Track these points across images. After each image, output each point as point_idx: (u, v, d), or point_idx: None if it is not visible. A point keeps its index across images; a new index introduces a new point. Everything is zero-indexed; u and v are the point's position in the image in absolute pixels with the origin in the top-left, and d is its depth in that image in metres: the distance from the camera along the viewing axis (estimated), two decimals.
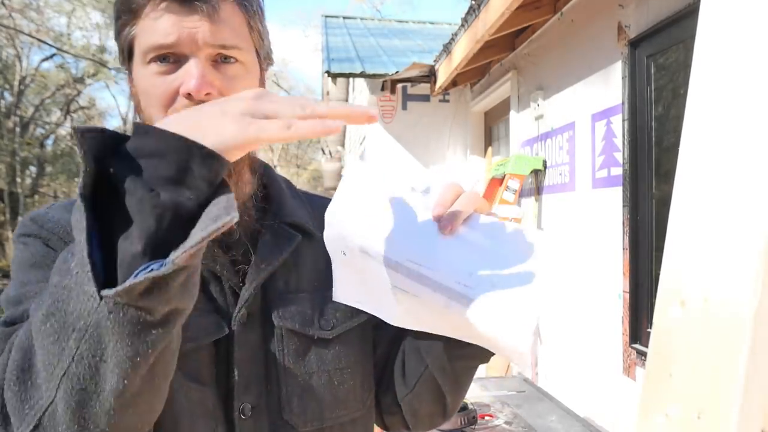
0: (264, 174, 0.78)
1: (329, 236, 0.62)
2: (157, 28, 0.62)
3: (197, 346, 0.63)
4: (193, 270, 0.44)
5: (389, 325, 0.69)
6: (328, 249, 0.65)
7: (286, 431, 0.67)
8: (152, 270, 0.40)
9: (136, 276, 0.40)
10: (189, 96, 0.62)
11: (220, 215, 0.41)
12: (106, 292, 0.40)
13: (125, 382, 0.43)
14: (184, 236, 0.42)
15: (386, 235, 0.58)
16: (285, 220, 0.74)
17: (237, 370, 0.65)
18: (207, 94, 0.62)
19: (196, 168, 0.43)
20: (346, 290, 0.67)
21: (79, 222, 0.42)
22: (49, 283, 0.45)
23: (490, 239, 0.58)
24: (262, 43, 0.70)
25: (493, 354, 0.68)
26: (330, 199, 0.84)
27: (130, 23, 0.64)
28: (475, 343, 0.63)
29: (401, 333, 0.75)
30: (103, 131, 0.44)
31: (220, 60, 0.65)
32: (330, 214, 0.61)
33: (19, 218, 15.74)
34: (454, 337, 0.65)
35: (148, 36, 0.62)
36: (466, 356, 0.69)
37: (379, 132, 0.58)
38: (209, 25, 0.62)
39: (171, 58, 0.63)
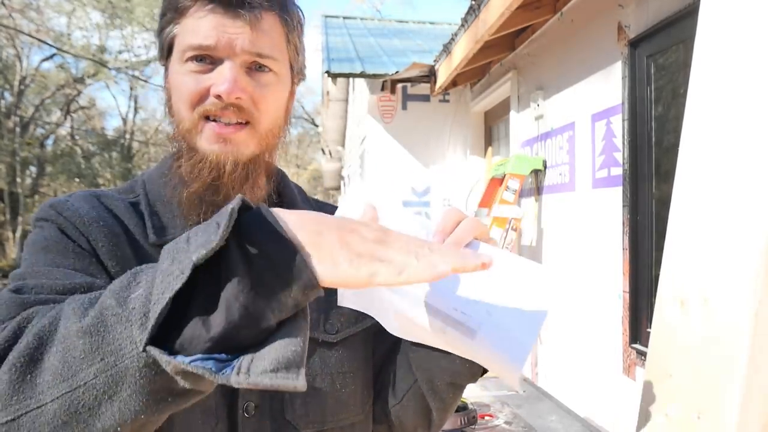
0: (280, 181, 0.79)
1: None
2: (199, 28, 0.64)
3: None
4: None
5: (387, 335, 0.70)
6: None
7: (288, 431, 0.68)
8: (210, 368, 0.39)
9: (192, 362, 0.39)
10: (219, 97, 0.64)
11: (291, 365, 0.40)
12: (155, 352, 0.40)
13: (118, 428, 0.43)
14: (249, 342, 0.41)
15: None
16: None
17: None
18: (237, 98, 0.64)
19: (295, 290, 0.42)
20: (350, 297, 0.68)
21: (171, 277, 0.41)
22: (101, 301, 0.44)
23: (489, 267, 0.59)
24: (297, 57, 0.72)
25: (481, 375, 0.69)
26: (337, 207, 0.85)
27: (173, 21, 0.66)
28: (469, 358, 0.64)
29: (397, 345, 0.76)
30: (248, 211, 0.44)
31: (255, 68, 0.66)
32: None
33: (19, 218, 15.74)
34: (449, 350, 0.65)
35: (189, 35, 0.64)
36: (454, 376, 0.70)
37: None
38: (249, 33, 0.64)
39: (208, 59, 0.65)
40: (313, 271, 0.42)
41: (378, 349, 0.79)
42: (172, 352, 0.40)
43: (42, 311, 0.49)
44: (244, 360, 0.40)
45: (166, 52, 0.68)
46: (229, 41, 0.63)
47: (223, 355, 0.40)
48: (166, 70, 0.69)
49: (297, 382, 0.39)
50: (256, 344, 0.41)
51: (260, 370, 0.39)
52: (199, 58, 0.65)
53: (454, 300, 0.56)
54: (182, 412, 0.61)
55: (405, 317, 0.61)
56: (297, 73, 0.74)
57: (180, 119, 0.67)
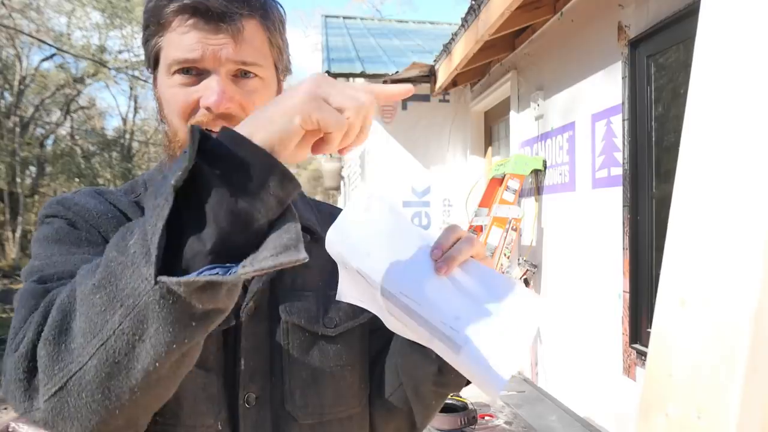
0: None
1: (331, 251, 0.65)
2: (183, 42, 0.65)
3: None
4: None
5: (381, 334, 0.73)
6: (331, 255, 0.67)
7: (287, 422, 0.70)
8: (217, 273, 0.42)
9: (200, 273, 0.42)
10: (208, 109, 0.66)
11: (290, 246, 0.44)
12: (165, 278, 0.42)
13: (156, 364, 0.45)
14: (248, 247, 0.45)
15: (383, 264, 0.61)
16: None
17: (243, 359, 0.68)
18: (226, 107, 0.66)
19: (273, 186, 0.46)
20: (349, 292, 0.70)
21: (159, 208, 0.44)
22: (105, 255, 0.47)
23: (481, 286, 0.61)
24: (281, 57, 0.74)
25: (467, 384, 0.72)
26: (335, 207, 0.87)
27: (157, 34, 0.67)
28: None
29: (387, 346, 0.79)
30: (204, 133, 0.47)
31: (240, 75, 0.68)
32: (332, 232, 0.64)
33: (19, 218, 15.73)
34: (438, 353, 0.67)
35: (173, 49, 0.66)
36: (439, 385, 0.72)
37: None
38: (233, 44, 0.66)
39: (194, 71, 0.67)
40: (284, 166, 0.46)
41: (372, 346, 0.81)
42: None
43: (61, 289, 0.51)
44: (247, 259, 0.43)
45: (152, 62, 0.70)
46: (213, 53, 0.65)
47: (228, 264, 0.44)
48: (155, 79, 0.71)
49: (299, 255, 0.43)
50: (255, 248, 0.45)
51: (262, 257, 0.43)
52: (185, 71, 0.66)
53: (443, 314, 0.59)
54: (189, 398, 0.64)
55: (397, 321, 0.63)
56: (282, 71, 0.76)
57: (174, 130, 0.69)
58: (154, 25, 0.67)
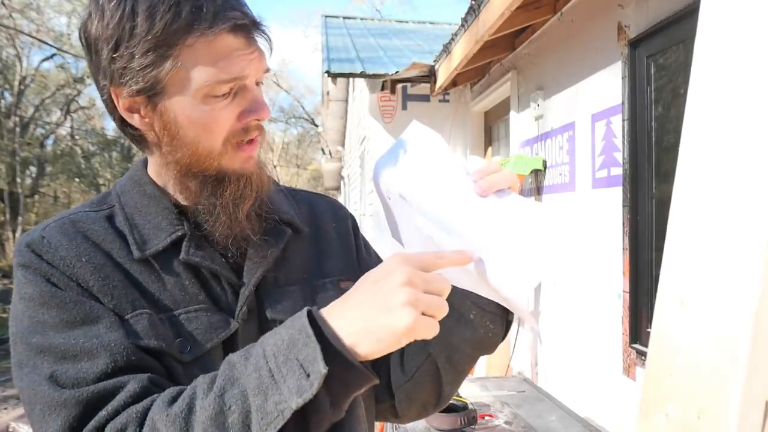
0: None
1: (377, 180, 0.71)
2: (227, 62, 0.63)
3: (214, 346, 0.67)
4: None
5: None
6: (376, 192, 0.74)
7: None
8: None
9: None
10: (258, 120, 0.67)
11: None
12: None
13: None
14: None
15: (425, 187, 0.67)
16: (275, 216, 0.78)
17: None
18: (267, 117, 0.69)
19: (359, 391, 0.57)
20: (392, 225, 0.75)
21: (270, 416, 0.52)
22: (197, 418, 0.53)
23: (514, 211, 0.67)
24: None
25: (498, 344, 0.75)
26: (313, 194, 0.90)
27: (173, 58, 0.62)
28: (483, 295, 0.70)
29: None
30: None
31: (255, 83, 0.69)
32: (381, 160, 0.70)
33: (19, 218, 15.72)
34: (463, 288, 0.71)
35: (210, 72, 0.62)
36: (476, 346, 0.73)
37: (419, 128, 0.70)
38: (259, 52, 0.67)
39: (230, 89, 0.65)
40: (371, 376, 0.55)
41: None
42: None
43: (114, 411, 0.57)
44: None
45: (159, 88, 0.64)
46: (252, 66, 0.65)
47: None
48: (150, 106, 0.66)
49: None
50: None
51: None
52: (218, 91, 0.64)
53: (476, 229, 0.65)
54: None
55: (431, 243, 0.68)
56: None
57: (207, 151, 0.67)
58: (165, 49, 0.62)
